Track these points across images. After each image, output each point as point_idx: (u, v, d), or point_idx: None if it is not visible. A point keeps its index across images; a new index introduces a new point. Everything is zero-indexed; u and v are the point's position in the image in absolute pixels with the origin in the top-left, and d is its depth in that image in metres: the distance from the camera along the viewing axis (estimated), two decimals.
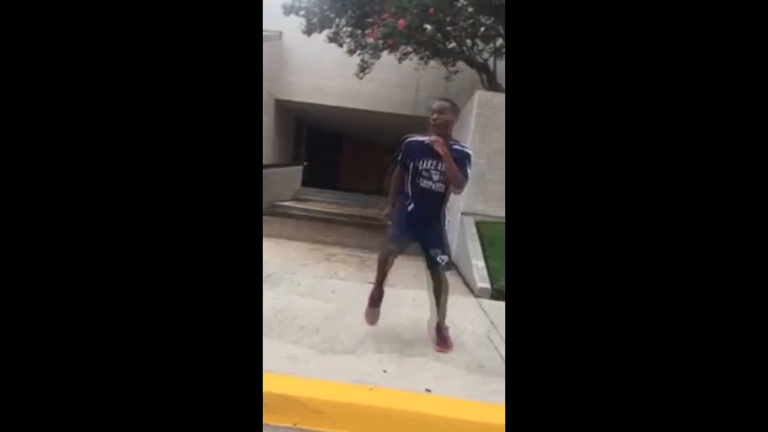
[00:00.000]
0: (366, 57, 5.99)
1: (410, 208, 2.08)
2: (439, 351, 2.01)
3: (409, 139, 2.06)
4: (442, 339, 2.08)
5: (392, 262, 2.16)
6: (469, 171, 2.01)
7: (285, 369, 1.67)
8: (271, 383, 1.55)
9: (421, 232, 2.08)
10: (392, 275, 3.62)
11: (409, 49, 5.71)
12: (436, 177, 2.00)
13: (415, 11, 4.32)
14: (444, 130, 1.96)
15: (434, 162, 1.98)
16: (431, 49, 5.53)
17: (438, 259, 2.04)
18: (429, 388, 1.67)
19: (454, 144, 2.00)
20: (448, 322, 2.17)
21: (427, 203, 2.05)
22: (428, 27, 4.82)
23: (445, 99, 2.05)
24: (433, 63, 6.23)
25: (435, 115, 1.96)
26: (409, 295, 3.04)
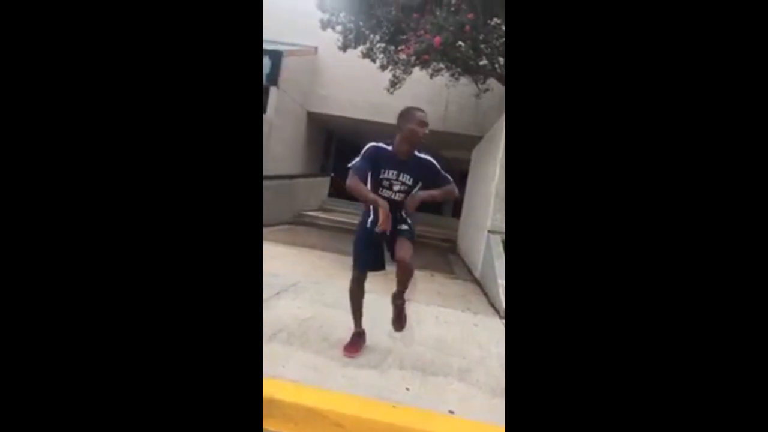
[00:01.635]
0: (398, 72, 6.08)
1: (369, 224, 1.97)
2: (395, 329, 2.04)
3: (374, 146, 1.90)
4: (395, 316, 2.05)
5: (362, 289, 2.07)
6: (444, 174, 1.94)
7: (308, 379, 1.67)
8: (294, 394, 1.55)
9: (386, 239, 1.96)
10: (415, 291, 3.61)
11: (441, 65, 5.76)
12: (396, 187, 1.91)
13: (451, 29, 4.36)
14: (420, 142, 1.89)
15: (395, 172, 1.89)
16: (463, 66, 5.56)
17: (398, 227, 1.92)
18: (452, 409, 1.64)
19: (415, 152, 1.91)
20: (474, 342, 2.12)
21: (391, 211, 1.90)
22: (462, 44, 4.86)
23: (421, 109, 1.93)
24: (463, 80, 6.25)
25: (427, 130, 1.88)
26: (432, 312, 3.01)
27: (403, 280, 1.92)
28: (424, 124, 1.86)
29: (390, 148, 1.90)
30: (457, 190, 1.98)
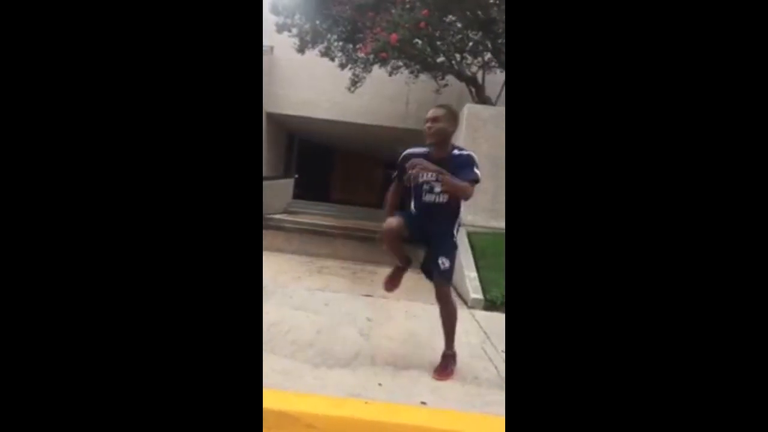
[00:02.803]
0: (357, 71, 6.07)
1: (414, 213, 1.94)
2: (435, 378, 1.85)
3: (406, 153, 1.93)
4: (440, 366, 1.91)
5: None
6: (477, 172, 1.82)
7: (278, 383, 1.65)
8: (264, 398, 1.52)
9: (426, 239, 1.93)
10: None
11: (400, 63, 5.80)
12: (438, 188, 1.85)
13: (406, 26, 4.41)
14: (439, 138, 1.84)
15: (433, 174, 1.83)
16: (421, 63, 5.63)
17: (439, 262, 1.84)
18: (424, 400, 1.66)
19: (454, 150, 1.87)
20: (442, 334, 2.15)
21: (433, 217, 1.90)
22: (419, 41, 4.91)
23: (441, 105, 1.91)
24: (423, 77, 6.33)
25: (429, 124, 1.84)
26: (401, 307, 3.03)
27: (445, 323, 1.93)
28: (427, 120, 1.85)
29: (423, 150, 1.87)
30: (470, 193, 1.83)
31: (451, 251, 1.89)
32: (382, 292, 3.41)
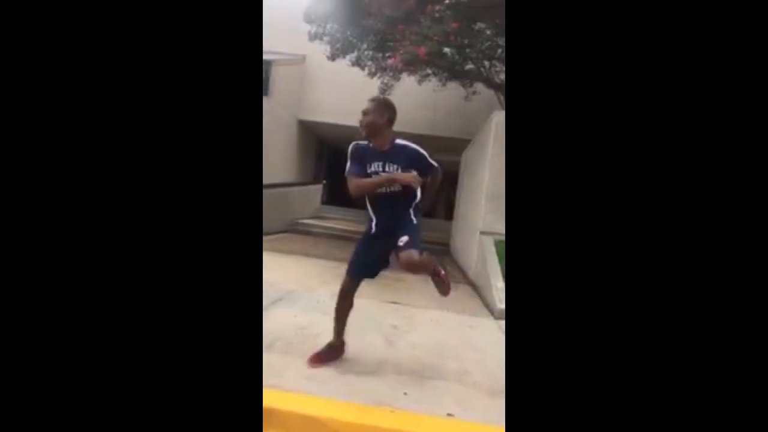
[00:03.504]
0: (386, 79, 6.14)
1: (374, 230, 1.93)
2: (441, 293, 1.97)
3: (355, 144, 1.90)
4: (443, 278, 1.96)
5: (351, 301, 1.97)
6: (432, 162, 1.86)
7: (306, 388, 1.68)
8: (292, 403, 1.56)
9: (390, 239, 1.85)
10: (412, 295, 3.63)
11: (429, 71, 5.82)
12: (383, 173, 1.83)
13: (435, 38, 4.42)
14: (369, 131, 1.83)
15: (380, 164, 1.83)
16: (450, 70, 5.63)
17: (399, 241, 1.79)
18: (451, 412, 1.65)
19: (396, 140, 1.86)
20: (470, 344, 2.12)
21: (389, 210, 1.88)
22: (448, 51, 4.92)
23: (372, 98, 1.90)
24: (451, 84, 6.33)
25: (360, 118, 1.85)
26: (427, 315, 3.03)
27: (417, 273, 1.92)
28: (361, 113, 1.87)
29: (368, 143, 1.89)
30: (440, 173, 1.91)
31: (410, 230, 1.84)
32: (408, 299, 3.43)
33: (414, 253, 1.76)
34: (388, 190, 1.84)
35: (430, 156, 1.93)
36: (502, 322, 3.10)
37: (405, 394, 1.75)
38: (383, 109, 1.85)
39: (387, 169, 1.82)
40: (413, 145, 1.88)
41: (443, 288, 1.99)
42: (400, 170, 1.81)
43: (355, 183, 1.84)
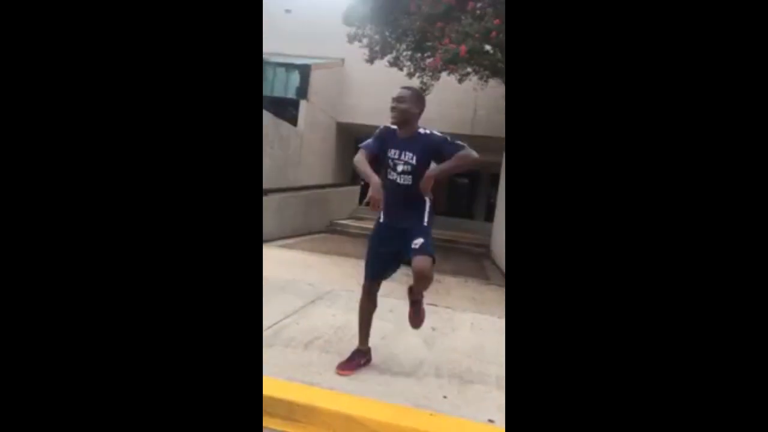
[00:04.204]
0: (425, 79, 6.10)
1: (382, 218, 1.90)
2: (412, 324, 1.96)
3: (384, 126, 1.90)
4: (414, 311, 1.96)
5: (374, 302, 1.98)
6: (457, 142, 1.78)
7: (344, 387, 1.69)
8: (331, 401, 1.57)
9: (400, 240, 1.81)
10: (451, 297, 3.56)
11: (469, 69, 5.72)
12: (400, 167, 1.80)
13: (477, 36, 4.33)
14: (402, 118, 1.80)
15: (397, 151, 1.80)
16: (491, 68, 5.50)
17: (412, 244, 1.74)
18: (492, 418, 1.60)
19: (420, 130, 1.82)
20: None
21: (398, 200, 1.82)
22: (489, 49, 4.81)
23: (406, 87, 1.88)
24: (492, 82, 6.18)
25: (393, 104, 1.81)
26: (467, 318, 2.96)
27: (419, 289, 1.85)
28: (393, 99, 1.83)
29: (394, 128, 1.87)
30: (474, 154, 1.77)
31: (421, 233, 1.78)
32: (447, 301, 3.37)
33: (428, 262, 1.72)
34: (399, 179, 1.80)
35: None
36: None
37: (444, 397, 1.72)
38: (418, 99, 1.85)
39: (402, 156, 1.81)
40: (436, 132, 1.82)
41: (414, 319, 1.97)
42: (415, 158, 1.79)
43: (356, 158, 1.87)
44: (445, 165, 1.75)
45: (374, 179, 1.75)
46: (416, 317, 1.96)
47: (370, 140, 1.90)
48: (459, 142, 1.78)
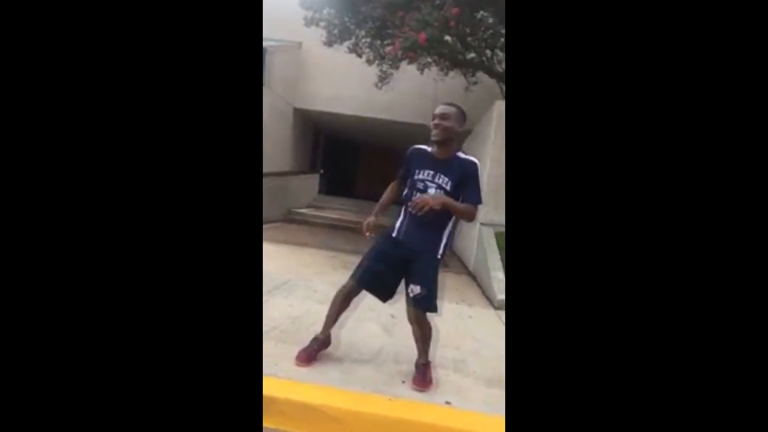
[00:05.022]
0: (385, 67, 6.05)
1: (395, 232, 1.78)
2: (414, 389, 1.69)
3: (412, 148, 1.80)
4: (418, 374, 1.75)
5: (348, 302, 1.83)
6: (479, 191, 1.68)
7: (303, 377, 1.66)
8: (289, 391, 1.54)
9: (405, 262, 1.73)
10: None
11: (429, 59, 5.74)
12: (432, 190, 1.67)
13: (436, 24, 4.34)
14: (445, 137, 1.68)
15: (431, 172, 1.68)
16: (451, 59, 5.55)
17: (409, 290, 1.70)
18: (449, 400, 1.63)
19: (458, 152, 1.72)
20: (469, 334, 2.12)
21: (419, 221, 1.67)
22: (449, 39, 4.84)
23: (451, 104, 1.76)
24: (452, 73, 6.25)
25: (436, 120, 1.68)
26: None
27: (418, 339, 1.79)
28: (434, 116, 1.70)
29: (429, 149, 1.75)
30: (474, 216, 1.70)
31: (426, 276, 1.70)
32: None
33: (420, 316, 1.70)
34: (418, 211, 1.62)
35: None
36: (502, 312, 3.09)
37: (403, 382, 1.73)
38: (462, 118, 1.74)
39: (436, 179, 1.68)
40: (474, 161, 1.72)
41: (419, 381, 1.71)
42: (450, 183, 1.66)
43: (389, 188, 1.90)
44: (458, 206, 1.64)
45: (371, 222, 1.79)
46: (422, 380, 1.72)
47: (403, 169, 1.81)
48: (479, 193, 1.68)
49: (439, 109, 1.72)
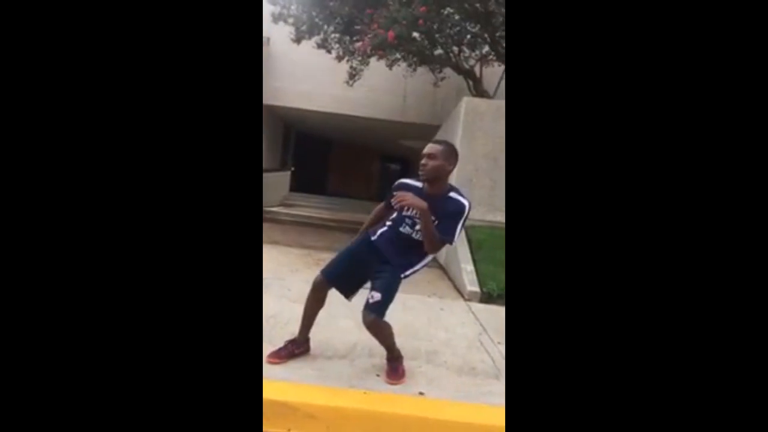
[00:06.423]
0: (355, 63, 6.04)
1: (375, 236, 1.81)
2: (387, 383, 1.73)
3: (399, 182, 1.82)
4: (390, 369, 1.79)
5: (322, 300, 1.85)
6: (459, 229, 1.69)
7: (278, 374, 1.67)
8: (264, 389, 1.54)
9: (372, 268, 1.77)
10: None
11: (398, 56, 5.77)
12: (418, 227, 1.70)
13: (404, 22, 4.37)
14: (432, 175, 1.70)
15: (416, 211, 1.68)
16: (419, 55, 5.60)
17: (370, 296, 1.72)
18: (422, 391, 1.69)
19: (451, 192, 1.73)
20: (440, 325, 2.17)
21: (401, 243, 1.75)
22: (417, 36, 4.88)
23: (439, 141, 1.78)
24: (421, 69, 6.30)
25: (423, 160, 1.70)
26: (398, 299, 3.05)
27: (381, 342, 1.79)
28: (422, 155, 1.72)
29: (419, 184, 1.74)
30: (437, 249, 1.74)
31: (389, 286, 1.74)
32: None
33: (371, 319, 1.69)
34: (416, 235, 1.70)
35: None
36: (472, 304, 3.18)
37: (377, 375, 1.77)
38: (452, 156, 1.73)
39: (419, 217, 1.67)
40: (463, 201, 1.71)
41: (392, 375, 1.75)
42: (437, 222, 1.67)
43: (374, 212, 1.94)
44: (431, 228, 1.64)
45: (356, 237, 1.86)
46: (394, 374, 1.77)
47: (389, 196, 1.77)
48: (455, 233, 1.70)
49: (427, 148, 1.72)
